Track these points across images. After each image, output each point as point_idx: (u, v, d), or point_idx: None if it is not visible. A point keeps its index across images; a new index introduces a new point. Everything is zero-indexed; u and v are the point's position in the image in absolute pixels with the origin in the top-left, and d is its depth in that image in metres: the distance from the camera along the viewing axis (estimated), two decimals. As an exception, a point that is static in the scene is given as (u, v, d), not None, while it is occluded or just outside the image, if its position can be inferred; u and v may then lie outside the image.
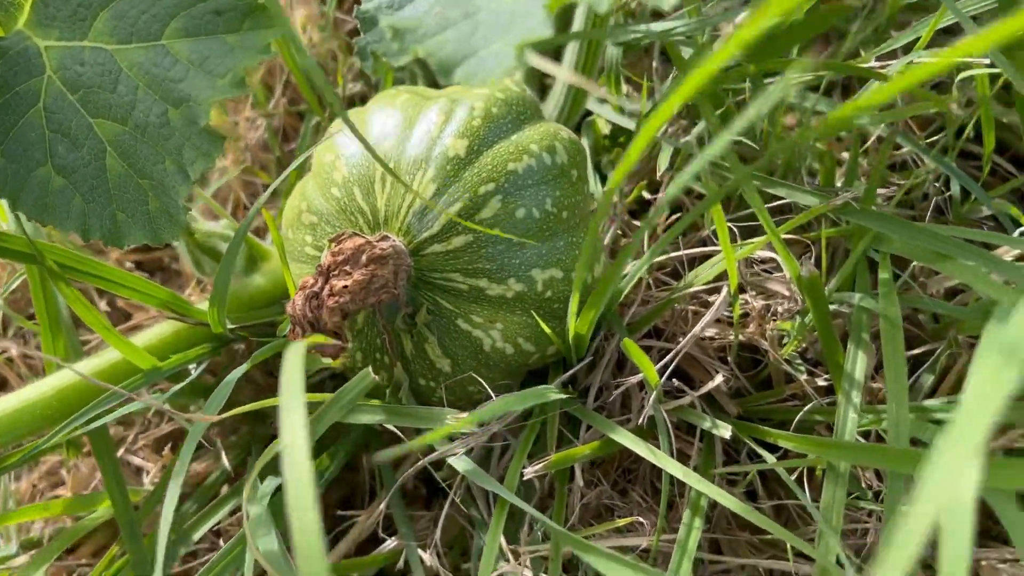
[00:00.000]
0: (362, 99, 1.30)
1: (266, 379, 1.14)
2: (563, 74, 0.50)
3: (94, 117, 0.74)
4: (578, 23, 0.96)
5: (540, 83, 1.17)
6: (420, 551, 0.89)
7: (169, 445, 1.12)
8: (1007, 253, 0.87)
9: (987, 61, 0.81)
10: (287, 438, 0.38)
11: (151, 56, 0.72)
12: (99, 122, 0.74)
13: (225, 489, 1.04)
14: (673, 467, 0.76)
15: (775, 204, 0.90)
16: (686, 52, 0.97)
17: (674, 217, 0.99)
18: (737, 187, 0.82)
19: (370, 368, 0.75)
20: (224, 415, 0.76)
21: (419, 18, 0.64)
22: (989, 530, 0.93)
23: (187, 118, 0.73)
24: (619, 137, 1.09)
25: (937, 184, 0.94)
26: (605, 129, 1.10)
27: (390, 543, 0.92)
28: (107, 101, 0.74)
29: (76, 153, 0.75)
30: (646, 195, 0.99)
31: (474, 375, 0.85)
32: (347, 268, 0.78)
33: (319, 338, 0.78)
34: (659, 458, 0.77)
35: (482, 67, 0.58)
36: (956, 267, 0.72)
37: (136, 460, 1.13)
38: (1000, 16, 0.83)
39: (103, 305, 1.25)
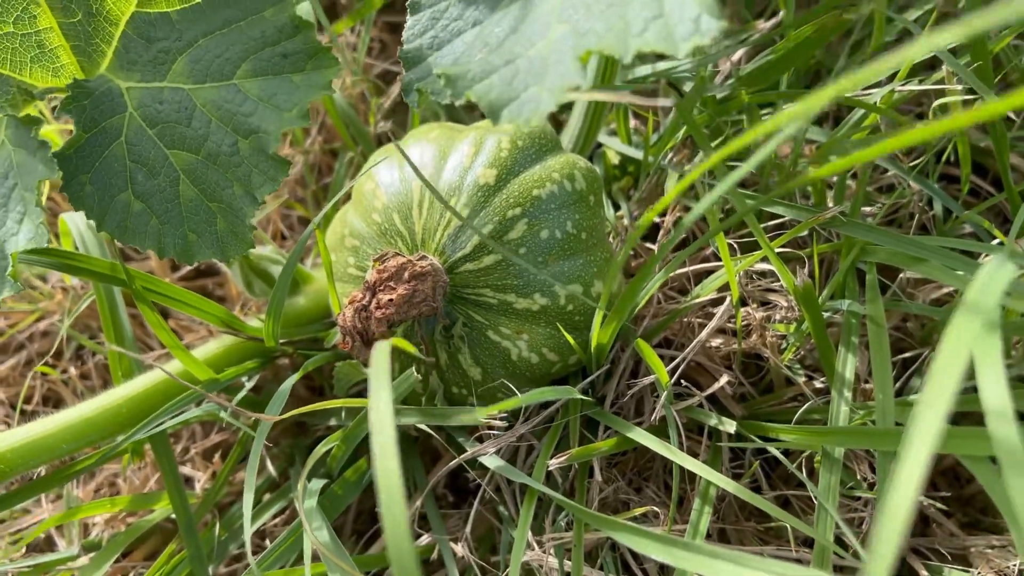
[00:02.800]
0: (390, 136, 1.40)
1: (309, 394, 1.23)
2: (608, 96, 0.59)
3: (170, 148, 0.84)
4: (591, 68, 1.06)
5: (555, 119, 1.27)
6: (452, 544, 0.97)
7: (218, 454, 1.20)
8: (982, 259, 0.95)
9: (961, 88, 0.90)
10: (375, 414, 0.46)
11: (224, 94, 0.82)
12: (174, 152, 0.84)
13: (268, 497, 1.12)
14: (682, 458, 0.83)
15: (774, 222, 0.99)
16: (688, 86, 1.07)
17: (680, 236, 1.09)
18: (740, 219, 0.91)
19: (413, 368, 0.83)
20: (286, 415, 0.85)
21: (466, 64, 0.73)
22: (979, 521, 1.01)
23: (256, 147, 0.82)
24: (627, 167, 1.19)
25: (921, 204, 1.03)
26: (615, 159, 1.19)
27: (425, 538, 1.00)
28: (182, 134, 0.84)
29: (153, 180, 0.84)
30: (655, 219, 1.08)
31: (504, 381, 0.93)
32: (391, 284, 0.86)
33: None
34: (670, 450, 0.84)
35: (523, 109, 0.66)
36: (929, 267, 0.81)
37: (186, 470, 1.21)
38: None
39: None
